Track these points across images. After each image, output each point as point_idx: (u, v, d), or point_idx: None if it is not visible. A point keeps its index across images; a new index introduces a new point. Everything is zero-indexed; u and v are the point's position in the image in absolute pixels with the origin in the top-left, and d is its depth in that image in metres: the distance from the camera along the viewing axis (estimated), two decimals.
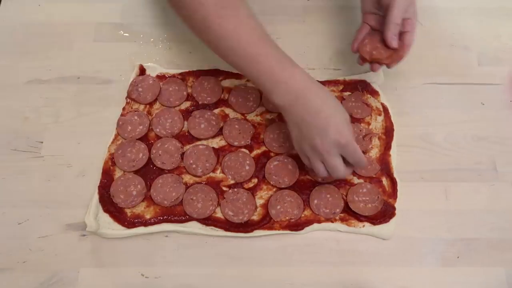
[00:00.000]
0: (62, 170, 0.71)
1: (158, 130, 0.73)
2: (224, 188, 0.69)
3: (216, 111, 0.75)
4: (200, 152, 0.71)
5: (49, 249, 0.65)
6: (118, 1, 0.86)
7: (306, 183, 0.70)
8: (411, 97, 0.78)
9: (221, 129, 0.73)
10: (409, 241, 0.67)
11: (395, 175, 0.70)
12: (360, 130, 0.73)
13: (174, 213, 0.67)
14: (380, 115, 0.75)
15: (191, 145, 0.72)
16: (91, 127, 0.74)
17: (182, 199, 0.68)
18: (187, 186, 0.69)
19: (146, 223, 0.66)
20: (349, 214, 0.68)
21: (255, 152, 0.72)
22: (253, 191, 0.69)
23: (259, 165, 0.71)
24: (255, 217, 0.67)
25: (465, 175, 0.71)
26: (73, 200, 0.68)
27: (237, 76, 0.78)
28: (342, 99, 0.76)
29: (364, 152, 0.71)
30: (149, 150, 0.71)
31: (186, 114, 0.75)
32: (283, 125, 0.73)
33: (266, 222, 0.67)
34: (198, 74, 0.78)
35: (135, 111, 0.75)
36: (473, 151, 0.73)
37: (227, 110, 0.76)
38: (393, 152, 0.72)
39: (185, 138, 0.73)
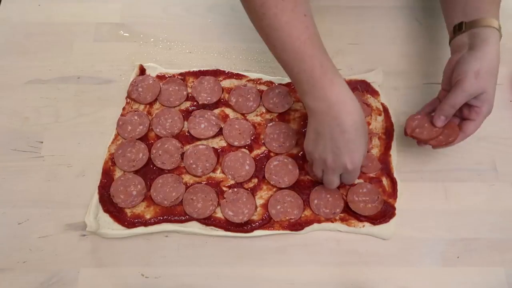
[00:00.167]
0: (62, 170, 0.71)
1: (158, 130, 0.73)
2: (224, 188, 0.69)
3: (216, 111, 0.75)
4: (200, 152, 0.71)
5: (49, 249, 0.65)
6: (118, 1, 0.86)
7: (306, 183, 0.70)
8: (411, 97, 0.78)
9: (221, 129, 0.73)
10: (409, 241, 0.67)
11: (395, 175, 0.70)
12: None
13: (174, 213, 0.67)
14: (380, 115, 0.75)
15: (191, 145, 0.72)
16: (91, 127, 0.74)
17: (182, 199, 0.68)
18: (187, 186, 0.69)
19: (146, 223, 0.66)
20: (349, 214, 0.68)
21: (255, 152, 0.72)
22: (253, 191, 0.69)
23: (259, 165, 0.71)
24: (255, 217, 0.67)
25: (465, 175, 0.72)
26: (73, 200, 0.68)
27: (237, 76, 0.78)
28: None
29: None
30: (149, 150, 0.71)
31: (186, 114, 0.75)
32: (283, 125, 0.73)
33: (266, 222, 0.67)
34: (198, 74, 0.78)
35: (135, 111, 0.75)
36: (473, 151, 0.73)
37: (227, 110, 0.76)
38: (393, 152, 0.72)
39: (185, 138, 0.73)
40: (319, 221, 0.67)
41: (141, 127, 0.73)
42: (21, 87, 0.77)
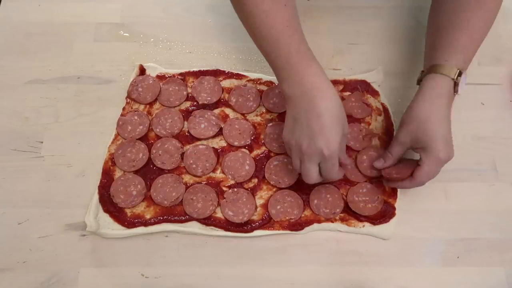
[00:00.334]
0: (62, 170, 0.71)
1: (158, 130, 0.73)
2: (224, 188, 0.69)
3: (216, 111, 0.75)
4: (200, 152, 0.71)
5: (49, 249, 0.65)
6: (118, 1, 0.86)
7: (306, 183, 0.70)
8: (411, 97, 0.77)
9: (221, 129, 0.73)
10: (409, 241, 0.67)
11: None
12: (360, 130, 0.73)
13: (174, 213, 0.67)
14: (380, 115, 0.75)
15: (191, 145, 0.72)
16: (91, 127, 0.74)
17: (182, 199, 0.68)
18: (187, 186, 0.69)
19: (146, 223, 0.66)
20: (349, 214, 0.68)
21: (255, 152, 0.72)
22: (253, 191, 0.69)
23: (259, 165, 0.71)
24: (255, 217, 0.67)
25: (465, 175, 0.72)
26: (73, 200, 0.68)
27: (237, 76, 0.78)
28: (342, 99, 0.76)
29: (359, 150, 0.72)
30: (149, 150, 0.71)
31: (186, 114, 0.75)
32: (283, 125, 0.73)
33: (266, 222, 0.67)
34: (198, 74, 0.78)
35: (135, 111, 0.75)
36: (473, 151, 0.73)
37: (227, 110, 0.76)
38: None
39: (185, 138, 0.73)
40: (319, 221, 0.67)
41: (141, 127, 0.73)
42: (21, 87, 0.77)
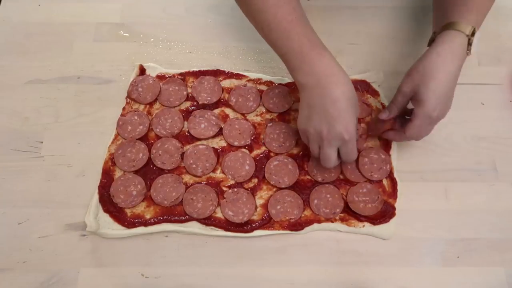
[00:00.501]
0: (62, 170, 0.71)
1: (158, 130, 0.73)
2: (224, 188, 0.69)
3: (216, 111, 0.75)
4: (200, 152, 0.71)
5: (49, 249, 0.65)
6: (118, 1, 0.86)
7: (306, 183, 0.70)
8: None
9: (221, 129, 0.73)
10: (409, 241, 0.67)
11: (395, 175, 0.70)
12: (357, 129, 0.73)
13: (174, 213, 0.67)
14: None
15: (191, 145, 0.72)
16: (91, 127, 0.74)
17: (182, 199, 0.68)
18: (187, 186, 0.69)
19: (146, 223, 0.66)
20: (349, 214, 0.68)
21: (255, 152, 0.72)
22: (253, 191, 0.69)
23: (259, 165, 0.71)
24: (255, 217, 0.67)
25: (465, 175, 0.72)
26: (73, 200, 0.68)
27: (237, 76, 0.78)
28: None
29: (359, 151, 0.71)
30: (149, 150, 0.71)
31: (186, 114, 0.75)
32: (283, 125, 0.73)
33: (266, 222, 0.67)
34: (198, 74, 0.78)
35: (135, 111, 0.75)
36: (473, 151, 0.73)
37: (227, 110, 0.76)
38: (393, 152, 0.72)
39: (185, 138, 0.73)
40: (319, 221, 0.67)
41: (141, 127, 0.73)
42: (21, 87, 0.77)
